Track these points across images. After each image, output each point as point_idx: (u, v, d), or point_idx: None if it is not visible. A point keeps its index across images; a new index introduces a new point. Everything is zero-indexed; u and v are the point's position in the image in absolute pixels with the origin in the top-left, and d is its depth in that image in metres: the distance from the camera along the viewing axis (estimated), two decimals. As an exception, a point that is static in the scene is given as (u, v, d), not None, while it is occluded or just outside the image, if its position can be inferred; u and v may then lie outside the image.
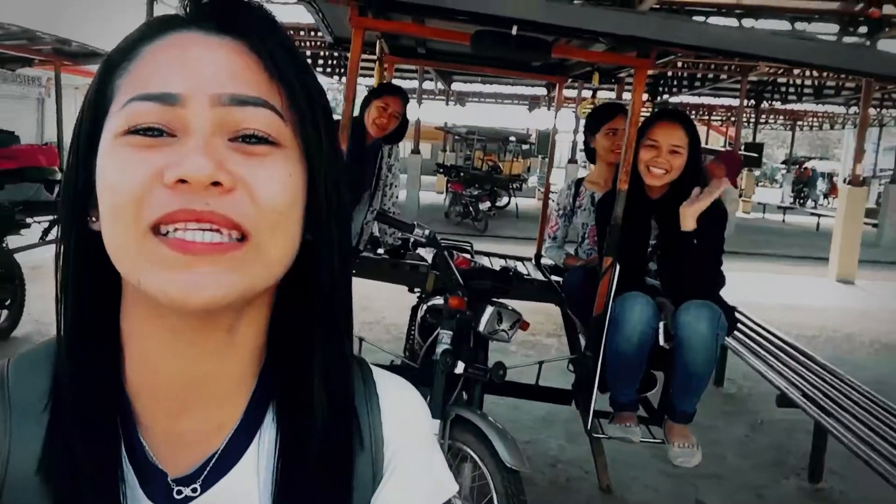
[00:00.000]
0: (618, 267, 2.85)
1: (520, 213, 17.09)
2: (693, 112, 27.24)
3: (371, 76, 4.71)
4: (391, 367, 3.17)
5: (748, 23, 10.54)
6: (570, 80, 4.76)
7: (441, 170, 20.01)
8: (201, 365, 0.61)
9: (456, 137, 23.23)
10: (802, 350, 4.49)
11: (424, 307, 3.44)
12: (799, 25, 10.76)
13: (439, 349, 2.71)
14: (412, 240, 3.04)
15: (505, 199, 18.64)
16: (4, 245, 5.04)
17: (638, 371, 2.84)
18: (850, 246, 10.74)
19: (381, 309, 6.77)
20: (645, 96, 19.50)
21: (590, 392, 2.90)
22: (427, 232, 2.88)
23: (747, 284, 9.33)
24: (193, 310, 0.54)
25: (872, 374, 5.62)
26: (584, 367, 2.99)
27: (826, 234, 12.63)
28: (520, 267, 4.14)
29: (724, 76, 15.87)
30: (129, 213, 0.53)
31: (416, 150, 16.08)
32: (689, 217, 2.73)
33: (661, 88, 18.89)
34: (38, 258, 5.73)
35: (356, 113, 3.41)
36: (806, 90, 19.17)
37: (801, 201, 27.96)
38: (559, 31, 2.56)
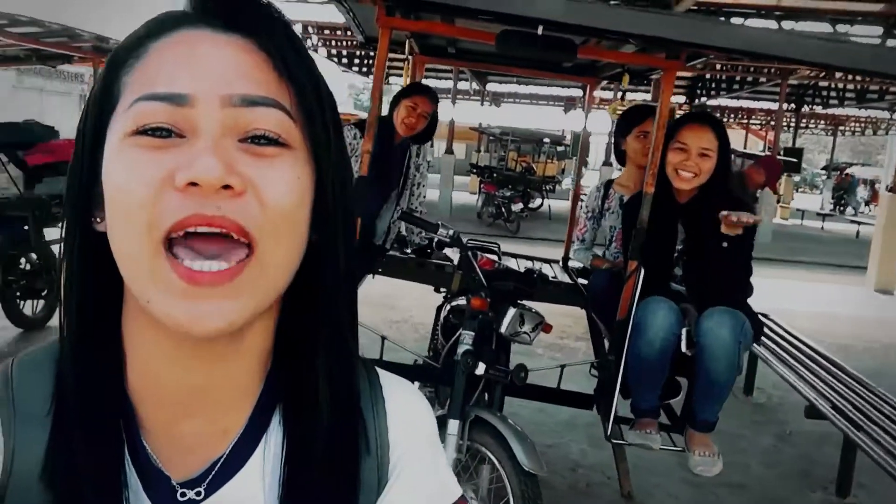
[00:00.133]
0: (643, 271, 2.82)
1: (552, 215, 16.99)
2: (731, 115, 26.85)
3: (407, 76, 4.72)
4: (413, 367, 3.19)
5: (787, 25, 10.34)
6: (602, 81, 4.71)
7: (474, 170, 19.98)
8: (206, 372, 0.61)
9: (490, 138, 23.18)
10: (833, 360, 4.40)
11: (448, 307, 3.44)
12: (841, 28, 10.55)
13: (461, 349, 2.71)
14: (436, 239, 3.05)
15: (538, 201, 18.54)
16: (42, 237, 5.15)
17: (660, 377, 2.80)
18: (890, 255, 10.47)
19: (408, 308, 6.78)
20: (682, 99, 19.44)
21: (611, 397, 2.88)
22: (451, 232, 2.88)
23: (781, 292, 9.19)
24: (199, 337, 0.54)
25: (908, 387, 5.49)
26: (606, 372, 2.97)
27: (865, 243, 12.34)
28: (547, 269, 4.11)
29: (763, 79, 15.60)
30: (140, 221, 0.52)
31: (449, 151, 16.09)
32: (726, 223, 2.66)
33: (698, 91, 18.64)
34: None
35: (383, 112, 3.42)
36: (848, 94, 18.76)
37: (841, 208, 27.40)
38: (584, 31, 2.53)
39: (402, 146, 3.92)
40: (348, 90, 45.86)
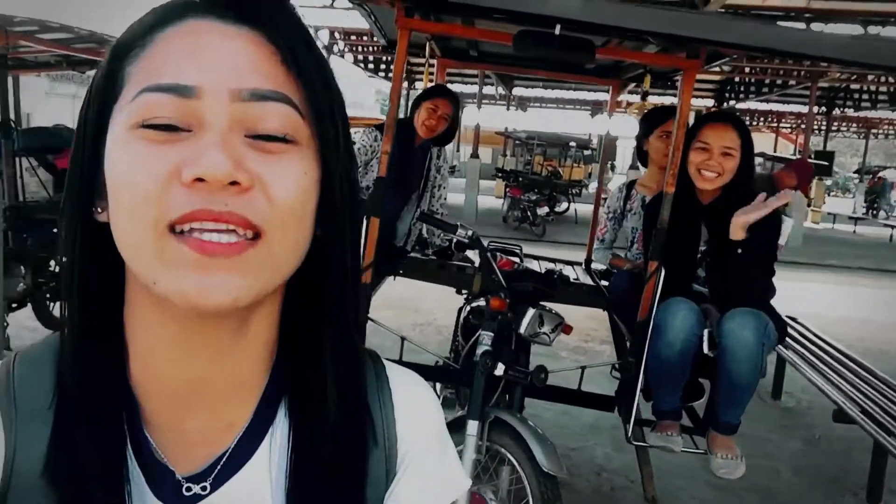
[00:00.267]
0: (663, 272, 2.80)
1: (579, 219, 16.90)
2: (761, 119, 26.56)
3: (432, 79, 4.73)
4: (433, 368, 3.19)
5: (817, 27, 10.21)
6: (627, 85, 4.67)
7: (500, 174, 19.98)
8: (210, 365, 0.60)
9: (516, 142, 23.17)
10: (862, 363, 4.32)
11: (468, 308, 3.44)
12: (872, 29, 10.39)
13: (479, 350, 2.70)
14: (455, 240, 3.04)
15: (564, 205, 18.49)
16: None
17: (680, 379, 2.77)
18: (924, 259, 10.26)
19: (431, 310, 6.79)
20: (710, 102, 19.27)
21: (632, 399, 2.85)
22: (470, 232, 2.88)
23: (812, 296, 9.06)
24: (207, 312, 0.53)
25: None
26: (626, 374, 2.94)
27: (899, 247, 12.12)
28: (568, 271, 4.09)
29: (792, 82, 15.41)
30: (146, 214, 0.51)
31: (475, 155, 16.10)
32: (739, 227, 2.64)
33: (727, 94, 18.48)
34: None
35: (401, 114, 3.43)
36: (881, 96, 18.47)
37: (874, 212, 26.92)
38: (600, 30, 2.52)
39: (422, 148, 3.93)
40: (375, 95, 46.09)
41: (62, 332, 0.61)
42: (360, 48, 17.77)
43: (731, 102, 18.57)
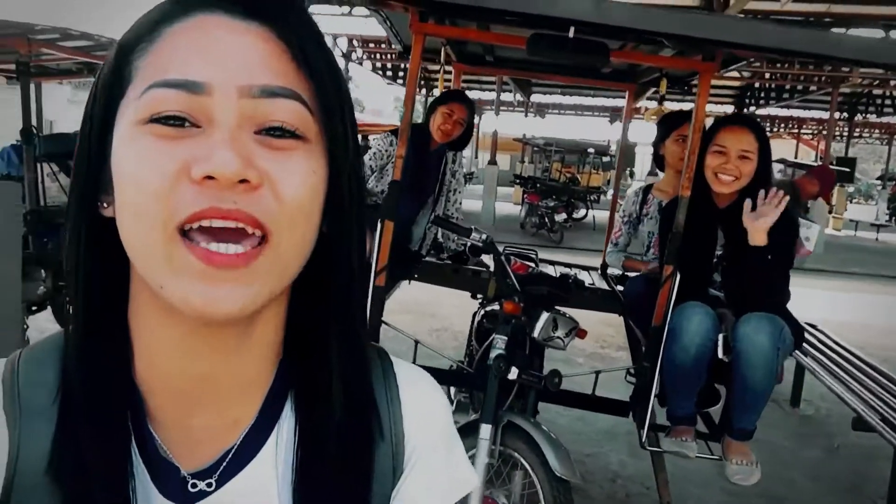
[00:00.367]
0: (678, 276, 2.78)
1: (597, 226, 16.82)
2: (782, 125, 26.35)
3: (448, 85, 4.73)
4: (447, 372, 3.19)
5: (838, 31, 10.13)
6: (646, 90, 4.64)
7: (518, 181, 19.95)
8: (216, 363, 0.60)
9: (534, 149, 23.14)
10: (882, 370, 4.25)
11: (482, 312, 3.44)
12: (894, 34, 10.28)
13: (493, 354, 2.69)
14: (469, 244, 3.04)
15: (582, 212, 18.43)
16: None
17: (695, 384, 2.75)
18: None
19: (448, 316, 6.79)
20: (730, 108, 19.13)
21: (646, 404, 2.84)
22: (484, 236, 2.88)
23: (834, 303, 8.96)
24: (214, 320, 0.53)
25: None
26: (641, 379, 2.93)
27: (923, 254, 11.96)
28: (584, 276, 4.08)
29: (813, 87, 15.28)
30: (154, 214, 0.51)
31: (493, 161, 16.10)
32: (758, 232, 2.62)
33: (747, 100, 18.35)
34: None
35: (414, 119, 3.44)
36: (904, 102, 18.28)
37: (898, 219, 26.56)
38: (614, 32, 2.51)
39: (438, 153, 3.93)
40: (394, 103, 46.25)
41: (66, 328, 0.60)
42: (378, 56, 17.85)
43: (752, 108, 18.45)
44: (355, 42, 16.73)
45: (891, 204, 27.35)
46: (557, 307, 2.94)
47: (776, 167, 16.84)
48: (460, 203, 4.19)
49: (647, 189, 3.61)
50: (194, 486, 0.60)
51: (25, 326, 4.47)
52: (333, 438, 0.62)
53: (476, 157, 28.86)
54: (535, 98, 21.04)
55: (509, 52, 4.11)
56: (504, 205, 19.24)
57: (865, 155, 47.06)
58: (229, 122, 0.52)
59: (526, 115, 24.91)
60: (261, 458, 0.62)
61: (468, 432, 2.54)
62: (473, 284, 3.84)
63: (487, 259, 3.61)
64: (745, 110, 18.53)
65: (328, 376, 0.63)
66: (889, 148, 29.43)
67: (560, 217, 14.94)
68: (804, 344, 4.71)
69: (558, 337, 2.86)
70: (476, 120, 16.25)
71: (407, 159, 2.85)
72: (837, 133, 24.16)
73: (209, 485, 0.60)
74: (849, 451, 4.52)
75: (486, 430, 2.56)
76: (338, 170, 0.59)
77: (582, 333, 2.98)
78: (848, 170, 19.54)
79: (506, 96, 18.58)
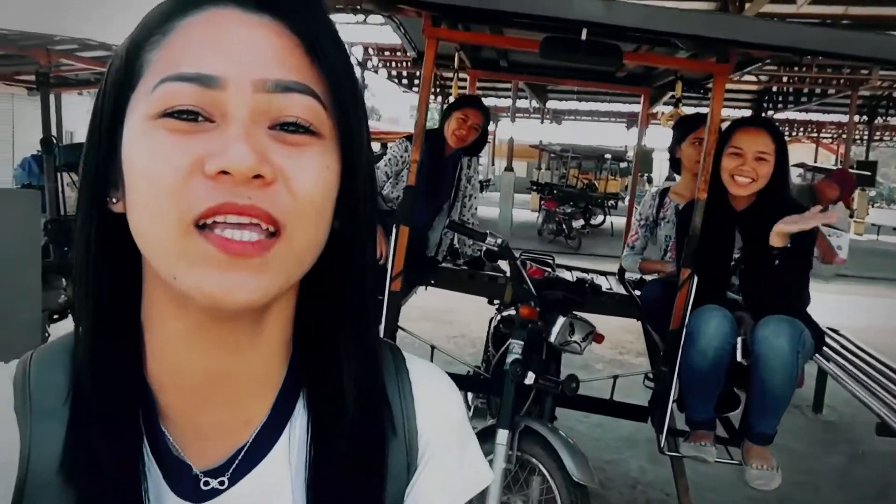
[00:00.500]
0: (696, 279, 2.75)
1: (615, 232, 16.78)
2: (801, 129, 26.14)
3: (462, 90, 4.74)
4: (464, 377, 3.18)
5: (857, 33, 10.05)
6: (664, 95, 4.62)
7: (535, 187, 19.93)
8: (227, 361, 0.59)
9: (551, 155, 23.12)
10: (906, 375, 4.19)
11: (498, 317, 3.42)
12: (913, 35, 10.17)
13: (510, 359, 2.68)
14: (484, 249, 3.03)
15: (600, 218, 18.38)
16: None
17: (714, 388, 2.72)
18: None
19: (466, 322, 6.78)
20: (748, 112, 19.01)
21: (665, 409, 2.81)
22: (499, 241, 2.87)
23: (857, 308, 8.84)
24: (229, 309, 0.53)
25: None
26: (660, 383, 2.90)
27: (947, 258, 11.78)
28: (601, 281, 4.05)
29: (832, 90, 15.15)
30: (169, 209, 0.51)
31: (509, 168, 16.09)
32: (781, 234, 2.59)
33: (765, 104, 18.23)
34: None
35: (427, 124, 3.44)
36: (925, 104, 18.08)
37: (922, 223, 26.20)
38: (627, 34, 2.49)
39: (453, 158, 3.94)
40: (410, 111, 46.40)
41: (76, 325, 0.60)
42: (393, 64, 17.91)
43: (770, 112, 18.33)
44: (371, 50, 16.81)
45: (913, 207, 27.02)
46: (574, 312, 2.93)
47: (795, 171, 16.72)
48: (476, 209, 4.19)
49: (663, 192, 3.58)
50: (206, 483, 0.60)
51: (47, 335, 4.52)
52: (346, 435, 0.62)
53: (493, 165, 28.82)
54: (551, 104, 21.00)
55: (523, 57, 4.10)
56: (521, 212, 19.23)
57: (887, 158, 46.57)
58: (243, 117, 0.52)
59: (542, 122, 24.90)
60: (273, 456, 0.62)
61: (485, 437, 2.53)
62: (490, 290, 3.83)
63: (504, 264, 3.60)
64: (764, 114, 18.41)
65: (340, 373, 0.63)
66: (911, 151, 29.08)
67: (578, 223, 14.92)
68: (826, 349, 4.66)
69: (575, 341, 2.84)
70: (492, 127, 16.28)
71: (422, 165, 2.86)
72: (857, 136, 23.90)
73: (222, 483, 0.60)
74: (873, 458, 4.45)
75: (503, 435, 2.54)
76: (351, 165, 0.59)
77: (599, 338, 2.96)
78: (869, 173, 19.31)
79: (521, 103, 18.58)
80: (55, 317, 4.96)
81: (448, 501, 0.69)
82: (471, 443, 0.73)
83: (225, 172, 0.50)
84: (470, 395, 3.77)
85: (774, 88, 17.11)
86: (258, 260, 0.52)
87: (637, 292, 3.72)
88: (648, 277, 3.66)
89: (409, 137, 3.82)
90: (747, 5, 8.83)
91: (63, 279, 4.87)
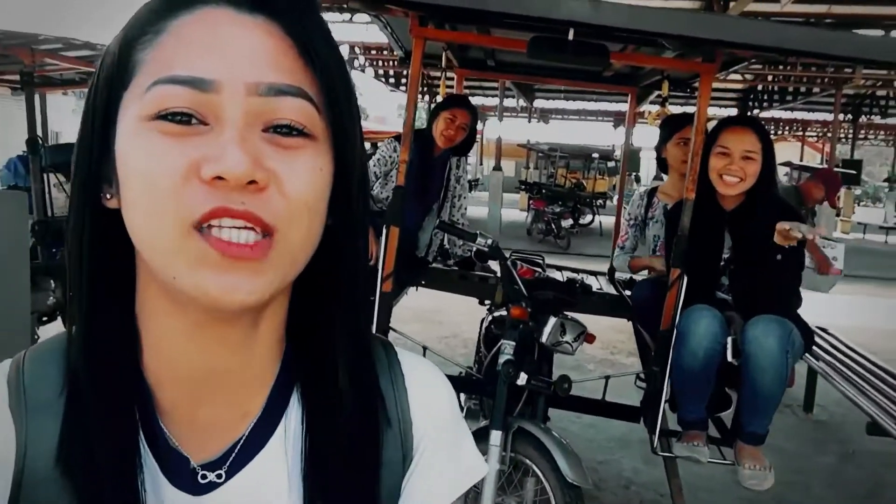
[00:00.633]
0: (685, 279, 2.75)
1: (604, 231, 16.83)
2: (786, 127, 26.31)
3: (450, 90, 4.72)
4: (456, 378, 3.16)
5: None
6: (650, 94, 4.62)
7: (523, 187, 19.96)
8: (224, 358, 0.60)
9: (539, 155, 23.17)
10: None
11: (490, 318, 3.41)
12: (895, 34, 10.27)
13: (502, 360, 2.67)
14: (475, 249, 3.02)
15: (589, 217, 18.44)
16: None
17: (705, 388, 2.72)
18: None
19: (457, 323, 6.77)
20: (734, 111, 19.12)
21: (657, 409, 2.81)
22: (490, 241, 2.86)
23: (844, 307, 8.89)
24: (228, 310, 0.53)
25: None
26: (651, 383, 2.90)
27: (932, 256, 11.88)
28: (591, 281, 4.06)
29: (816, 89, 15.25)
30: (166, 211, 0.51)
31: (497, 168, 16.10)
32: (783, 234, 2.58)
33: (750, 103, 18.34)
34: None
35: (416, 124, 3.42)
36: (909, 103, 18.23)
37: (907, 221, 26.41)
38: (613, 33, 2.49)
39: (442, 158, 3.93)
40: (398, 110, 46.40)
41: (70, 321, 0.60)
42: (380, 63, 17.88)
43: (755, 111, 18.44)
44: (357, 49, 16.77)
45: (899, 206, 27.24)
46: (565, 312, 2.92)
47: (782, 170, 16.81)
48: (465, 209, 4.18)
49: (651, 192, 3.59)
50: (204, 477, 0.60)
51: (36, 337, 4.47)
52: (341, 427, 0.63)
53: (481, 164, 28.81)
54: (539, 103, 21.07)
55: (511, 56, 4.10)
56: (510, 211, 19.25)
57: (872, 157, 47.00)
58: (237, 120, 0.52)
59: (529, 121, 24.93)
60: (269, 449, 0.63)
61: (478, 438, 2.52)
62: (480, 290, 3.83)
63: (494, 265, 3.59)
64: (749, 113, 18.51)
65: (334, 366, 0.63)
66: (895, 149, 29.32)
67: (566, 223, 14.95)
68: (816, 348, 4.68)
69: (567, 342, 2.84)
70: (480, 126, 16.28)
71: (411, 165, 2.85)
72: (842, 135, 24.10)
73: (219, 476, 0.61)
74: (864, 457, 4.47)
75: (496, 436, 2.54)
76: (344, 164, 0.59)
77: (591, 338, 2.95)
78: (854, 172, 19.50)
79: (509, 102, 18.61)
80: (44, 319, 4.92)
81: (445, 491, 0.70)
82: (464, 434, 0.74)
83: (220, 178, 0.50)
84: (462, 397, 3.76)
85: (760, 87, 17.22)
86: (255, 260, 0.52)
87: (627, 292, 3.72)
88: (638, 277, 3.66)
89: (397, 137, 3.81)
90: (732, 4, 8.88)
91: (52, 281, 4.82)
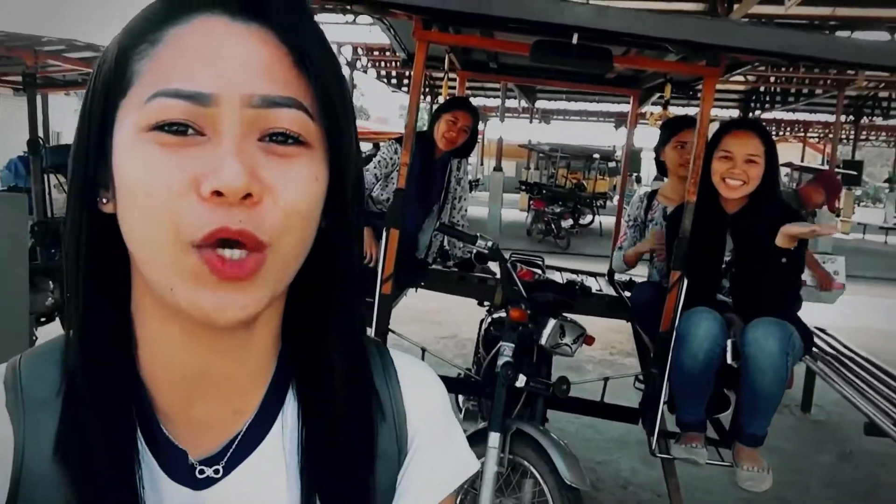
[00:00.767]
0: (685, 282, 2.76)
1: (604, 231, 16.82)
2: (788, 129, 26.28)
3: (453, 92, 4.72)
4: (454, 380, 3.18)
5: (843, 35, 10.10)
6: (651, 96, 4.63)
7: (524, 187, 19.95)
8: (219, 362, 0.61)
9: (540, 155, 23.15)
10: (894, 375, 4.22)
11: (489, 319, 3.42)
12: (900, 36, 10.26)
13: (500, 361, 2.68)
14: (475, 251, 3.03)
15: (589, 217, 18.42)
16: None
17: (705, 390, 2.73)
18: (958, 268, 10.03)
19: (456, 324, 6.77)
20: (736, 113, 19.10)
21: (656, 410, 2.82)
22: (490, 243, 2.86)
23: (843, 308, 8.87)
24: (220, 325, 0.54)
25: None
26: (650, 385, 2.91)
27: (932, 257, 11.86)
28: (591, 282, 4.06)
29: (818, 91, 15.24)
30: (163, 225, 0.51)
31: (498, 168, 16.09)
32: (787, 237, 2.59)
33: (752, 104, 18.32)
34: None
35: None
36: (910, 104, 18.21)
37: (907, 222, 26.37)
38: (617, 38, 2.50)
39: (442, 160, 3.93)
40: (400, 111, 46.33)
41: (67, 322, 0.61)
42: (382, 63, 17.89)
43: (757, 112, 18.42)
44: (360, 50, 16.77)
45: (899, 207, 27.19)
46: (564, 314, 2.93)
47: (783, 171, 16.80)
48: (466, 210, 4.18)
49: (651, 194, 3.59)
50: (202, 472, 0.61)
51: (35, 338, 4.48)
52: (336, 421, 0.64)
53: (481, 164, 28.78)
54: (540, 104, 21.05)
55: (513, 58, 4.10)
56: (510, 211, 19.24)
57: (872, 158, 46.92)
58: (234, 132, 0.52)
59: (531, 122, 24.94)
60: (266, 445, 0.64)
61: (477, 441, 2.52)
62: (480, 292, 3.83)
63: (494, 266, 3.59)
64: (751, 114, 18.49)
65: (328, 365, 0.65)
66: (896, 150, 29.30)
67: (566, 223, 14.94)
68: (815, 349, 4.68)
69: (566, 344, 2.85)
70: (481, 126, 16.27)
71: (412, 167, 2.85)
72: (844, 136, 24.08)
73: (217, 471, 0.62)
74: (862, 457, 4.48)
75: (494, 438, 2.54)
76: (339, 171, 0.59)
77: (590, 340, 2.96)
78: (855, 173, 19.48)
79: (510, 103, 18.61)
80: (42, 319, 4.92)
81: (438, 486, 0.71)
82: (456, 430, 0.76)
83: (219, 193, 0.50)
84: (461, 398, 3.77)
85: (762, 88, 17.20)
86: (248, 278, 0.53)
87: (627, 294, 3.73)
88: (638, 279, 3.67)
89: (398, 139, 3.81)
90: (736, 6, 8.86)
91: (50, 282, 4.83)
